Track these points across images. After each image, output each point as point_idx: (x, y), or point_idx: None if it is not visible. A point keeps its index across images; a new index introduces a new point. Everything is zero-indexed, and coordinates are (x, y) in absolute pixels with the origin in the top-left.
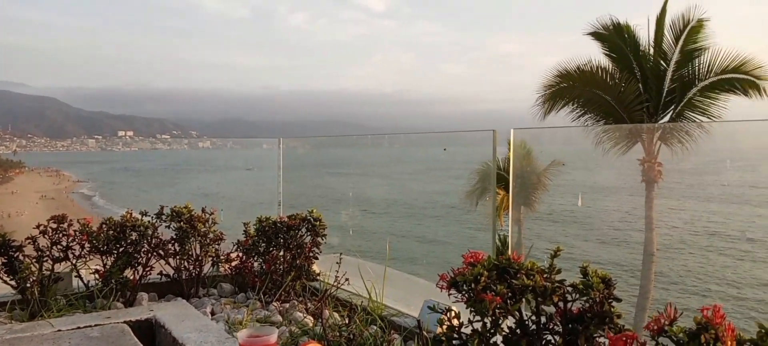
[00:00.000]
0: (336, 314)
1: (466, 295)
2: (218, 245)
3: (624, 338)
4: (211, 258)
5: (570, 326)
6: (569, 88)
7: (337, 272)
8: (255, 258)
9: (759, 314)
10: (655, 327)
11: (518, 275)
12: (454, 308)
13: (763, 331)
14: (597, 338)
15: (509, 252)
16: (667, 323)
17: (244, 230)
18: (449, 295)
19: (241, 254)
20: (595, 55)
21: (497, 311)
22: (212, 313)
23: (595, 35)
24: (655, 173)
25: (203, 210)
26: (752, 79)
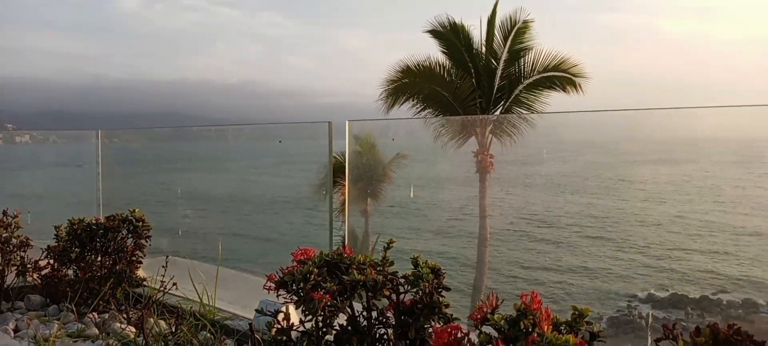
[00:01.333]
0: (162, 323)
1: (296, 294)
2: (24, 251)
3: (449, 330)
4: (15, 267)
5: (403, 318)
6: (411, 84)
7: (163, 276)
8: (68, 265)
9: (579, 293)
10: (478, 316)
11: (350, 270)
12: (291, 308)
13: (576, 313)
14: (428, 329)
15: (349, 245)
16: (489, 311)
17: (55, 235)
18: (278, 296)
19: (52, 261)
20: (434, 52)
21: (327, 309)
22: (16, 330)
23: (434, 33)
24: (487, 164)
25: (4, 213)
26: (569, 76)
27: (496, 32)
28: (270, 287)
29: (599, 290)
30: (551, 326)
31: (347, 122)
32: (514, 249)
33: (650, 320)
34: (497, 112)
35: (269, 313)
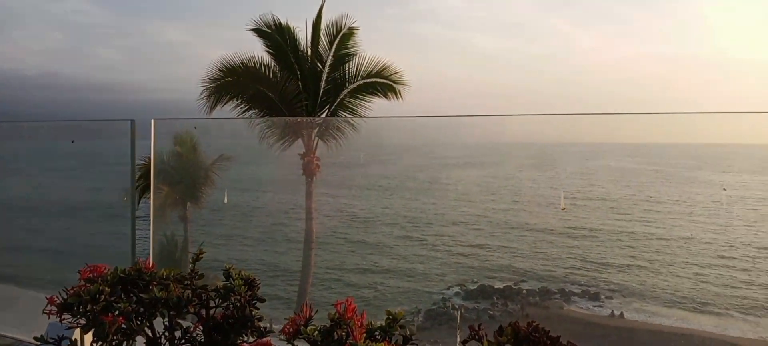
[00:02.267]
0: None
1: (84, 317)
2: None
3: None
4: None
5: (213, 335)
6: (234, 83)
7: None
8: None
9: (399, 292)
10: (291, 329)
11: (150, 287)
12: (88, 334)
13: (390, 317)
14: (241, 345)
15: (151, 258)
16: (302, 323)
17: None
18: (61, 320)
19: None
20: (260, 51)
21: (122, 332)
22: None
23: (258, 32)
24: (313, 166)
25: None
26: (391, 83)
27: (322, 36)
28: (50, 311)
29: (418, 287)
30: (365, 334)
31: (152, 121)
32: (338, 253)
33: (462, 310)
34: (323, 116)
35: (51, 340)
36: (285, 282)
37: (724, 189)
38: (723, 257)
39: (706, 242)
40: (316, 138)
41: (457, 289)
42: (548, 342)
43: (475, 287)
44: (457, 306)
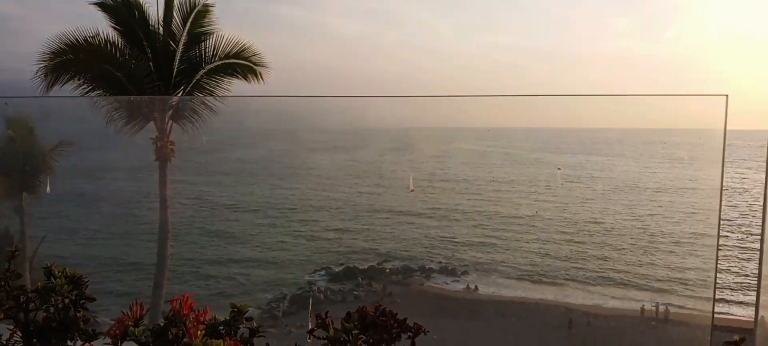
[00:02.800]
0: None
1: None
2: None
3: None
4: None
5: (34, 340)
6: (76, 61)
7: None
8: None
9: (263, 280)
10: (117, 331)
11: None
12: None
13: (235, 310)
14: None
15: None
16: (132, 323)
17: None
18: None
19: None
20: (105, 27)
21: None
22: None
23: (102, 6)
24: (167, 151)
25: None
26: (250, 64)
27: (174, 13)
28: None
29: (283, 274)
30: (205, 330)
31: None
32: (197, 243)
33: (327, 292)
34: (177, 97)
35: None
36: (138, 277)
37: (559, 169)
38: (563, 232)
39: (547, 219)
40: (170, 121)
41: (322, 272)
42: (395, 325)
43: (340, 270)
44: (322, 289)
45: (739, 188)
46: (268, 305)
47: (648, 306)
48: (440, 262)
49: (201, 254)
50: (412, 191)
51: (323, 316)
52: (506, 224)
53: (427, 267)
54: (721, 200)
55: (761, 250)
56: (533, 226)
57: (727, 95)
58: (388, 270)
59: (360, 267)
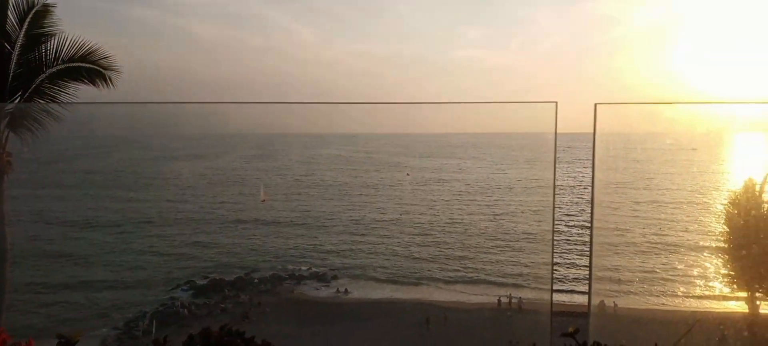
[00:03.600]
0: None
1: None
2: None
3: None
4: None
5: None
6: None
7: None
8: None
9: (118, 298)
10: None
11: None
12: None
13: (62, 341)
14: None
15: None
16: None
17: None
18: None
19: None
20: None
21: None
22: None
23: None
24: (3, 163)
25: None
26: (98, 68)
27: (10, 14)
28: None
29: (141, 291)
30: None
31: None
32: (39, 268)
33: (192, 307)
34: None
35: None
36: None
37: (408, 174)
38: (425, 235)
39: (412, 222)
40: (7, 130)
41: (185, 287)
42: (241, 343)
43: (205, 283)
44: (185, 304)
45: (581, 186)
46: (125, 326)
47: (506, 299)
48: (310, 268)
49: (46, 278)
50: (264, 200)
51: (161, 341)
52: (372, 227)
53: (296, 274)
54: (554, 198)
55: (591, 242)
56: (398, 228)
57: (556, 102)
58: (256, 280)
59: (226, 279)
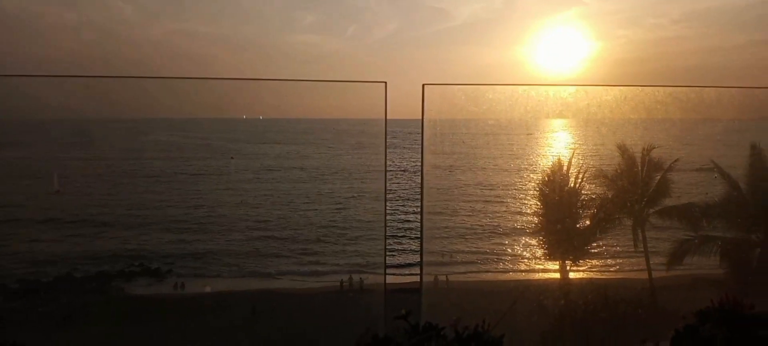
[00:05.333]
0: None
1: None
2: None
3: None
4: None
5: None
6: None
7: None
8: None
9: None
10: None
11: None
12: None
13: None
14: None
15: None
16: None
17: None
18: None
19: None
20: None
21: None
22: None
23: None
24: None
25: None
26: None
27: None
28: None
29: None
30: None
31: None
32: None
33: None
34: None
35: None
36: None
37: (232, 157)
38: (265, 224)
39: (255, 212)
40: None
41: None
42: None
43: (18, 286)
44: None
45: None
46: None
47: (347, 281)
48: (142, 265)
49: None
50: (58, 192)
51: None
52: (209, 218)
53: (127, 271)
54: (385, 182)
55: (421, 223)
56: (237, 218)
57: (385, 82)
58: (80, 278)
59: (43, 280)
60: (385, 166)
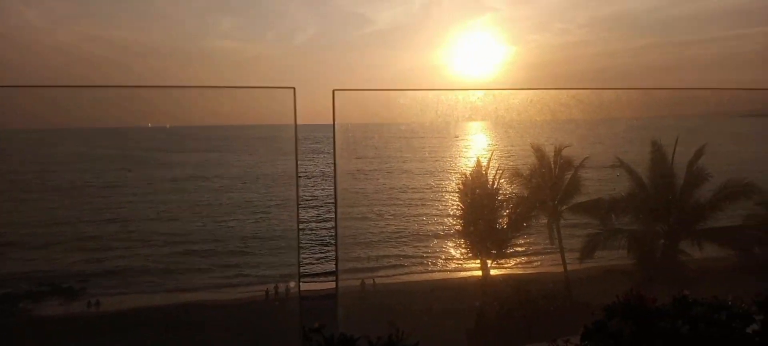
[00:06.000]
0: None
1: None
2: None
3: None
4: None
5: None
6: None
7: None
8: None
9: None
10: None
11: None
12: None
13: None
14: None
15: None
16: None
17: None
18: None
19: None
20: None
21: None
22: None
23: None
24: None
25: None
26: None
27: None
28: None
29: None
30: None
31: None
32: None
33: None
34: None
35: None
36: None
37: (130, 170)
38: (183, 236)
39: (173, 224)
40: None
41: None
42: None
43: None
44: None
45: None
46: None
47: (272, 291)
48: (53, 283)
49: None
50: None
51: None
52: (125, 232)
53: (35, 291)
54: (297, 187)
55: (335, 231)
56: (153, 231)
57: (293, 88)
58: None
59: None
60: (297, 173)
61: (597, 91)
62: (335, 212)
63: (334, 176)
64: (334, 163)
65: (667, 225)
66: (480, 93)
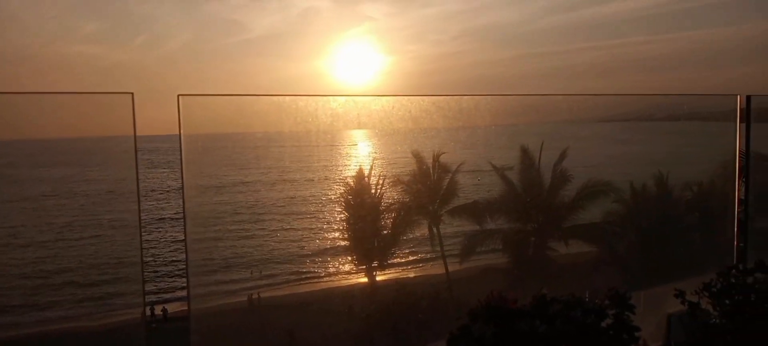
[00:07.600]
0: None
1: None
2: None
3: None
4: None
5: None
6: None
7: None
8: None
9: None
10: None
11: None
12: None
13: None
14: None
15: None
16: None
17: None
18: None
19: None
20: None
21: None
22: None
23: None
24: None
25: None
26: None
27: None
28: None
29: None
30: None
31: None
32: None
33: None
34: None
35: None
36: None
37: None
38: (42, 259)
39: (33, 256)
40: None
41: None
42: None
43: None
44: None
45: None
46: None
47: (154, 311)
48: None
49: None
50: None
51: None
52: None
53: None
54: (139, 203)
55: (185, 244)
56: (25, 257)
57: (132, 93)
58: None
59: None
60: (138, 188)
61: (456, 99)
62: (185, 229)
63: (182, 190)
64: (182, 177)
65: (537, 224)
66: (341, 99)
